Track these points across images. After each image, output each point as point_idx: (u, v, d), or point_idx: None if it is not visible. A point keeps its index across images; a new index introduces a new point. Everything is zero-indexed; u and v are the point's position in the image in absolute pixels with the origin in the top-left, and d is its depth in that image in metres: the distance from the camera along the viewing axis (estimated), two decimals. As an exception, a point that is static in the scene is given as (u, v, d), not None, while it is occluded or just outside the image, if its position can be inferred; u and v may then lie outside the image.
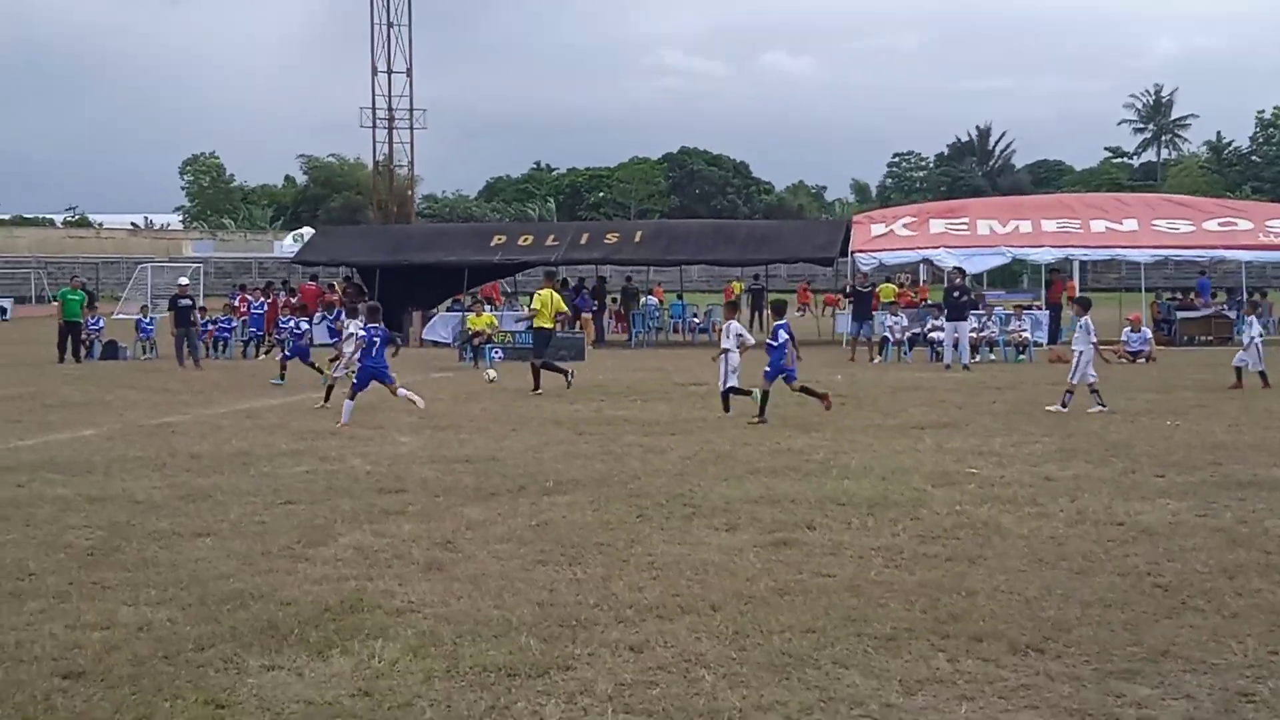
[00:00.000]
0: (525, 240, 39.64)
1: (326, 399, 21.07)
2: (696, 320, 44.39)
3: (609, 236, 39.36)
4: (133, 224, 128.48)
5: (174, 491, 13.06)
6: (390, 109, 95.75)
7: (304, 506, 12.20)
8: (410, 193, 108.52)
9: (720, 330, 20.64)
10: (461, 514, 11.71)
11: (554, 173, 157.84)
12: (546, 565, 9.67)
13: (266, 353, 34.53)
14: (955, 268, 31.46)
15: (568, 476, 13.78)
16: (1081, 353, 20.03)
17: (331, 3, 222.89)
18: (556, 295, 25.48)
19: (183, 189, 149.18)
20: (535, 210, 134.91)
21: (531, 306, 25.58)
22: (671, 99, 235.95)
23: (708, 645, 7.54)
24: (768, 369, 19.04)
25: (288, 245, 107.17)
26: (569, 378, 23.77)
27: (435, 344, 38.01)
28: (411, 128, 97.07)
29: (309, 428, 18.45)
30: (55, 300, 33.98)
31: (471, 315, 31.34)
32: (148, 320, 35.45)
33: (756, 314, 44.18)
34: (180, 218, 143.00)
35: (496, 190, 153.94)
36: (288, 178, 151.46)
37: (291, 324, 34.59)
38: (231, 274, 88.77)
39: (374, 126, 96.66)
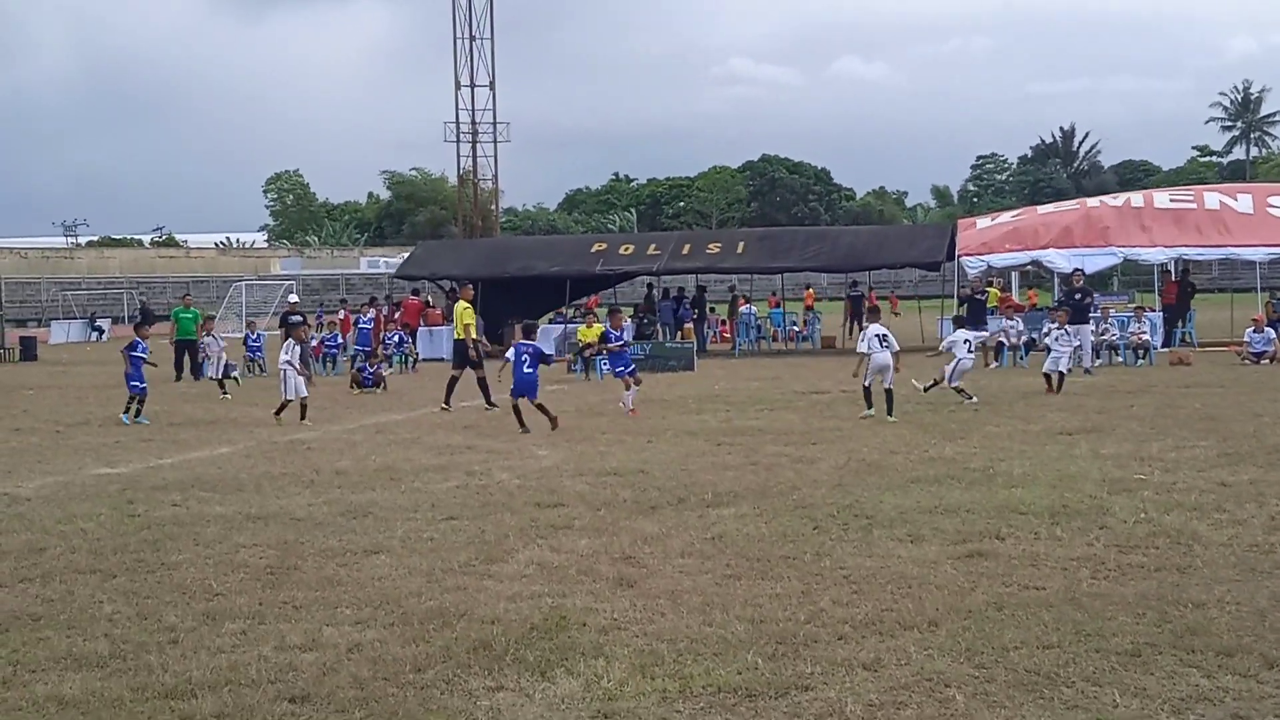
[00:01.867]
0: (626, 250, 39.48)
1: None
2: (796, 328, 44.05)
3: (711, 246, 39.04)
4: (218, 243, 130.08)
5: (332, 509, 12.94)
6: (474, 123, 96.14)
7: (468, 522, 12.03)
8: (494, 206, 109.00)
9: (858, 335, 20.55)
10: (631, 528, 11.49)
11: (632, 183, 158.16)
12: (739, 580, 9.42)
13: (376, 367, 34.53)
14: (1076, 270, 30.87)
15: (724, 488, 13.53)
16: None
17: (410, 19, 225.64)
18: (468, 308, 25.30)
19: (266, 207, 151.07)
20: (616, 221, 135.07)
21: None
22: (744, 107, 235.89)
23: (943, 663, 7.25)
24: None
25: (373, 262, 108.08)
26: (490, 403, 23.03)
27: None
28: (495, 141, 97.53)
29: (444, 442, 18.33)
30: (170, 320, 34.16)
31: (582, 327, 31.22)
32: (255, 337, 35.59)
33: (854, 321, 43.69)
34: (264, 236, 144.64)
35: (576, 202, 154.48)
36: (370, 194, 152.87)
37: (396, 338, 34.81)
38: (319, 291, 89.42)
39: (458, 141, 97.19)
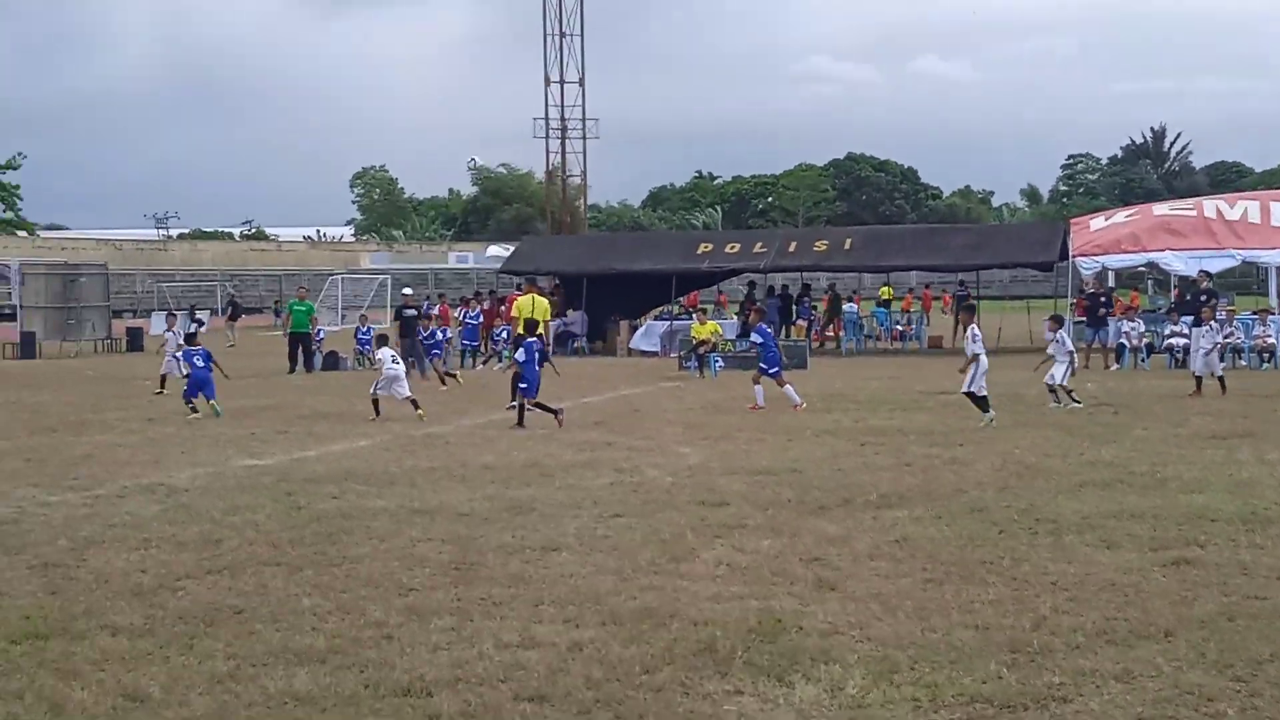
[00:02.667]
0: (732, 248, 39.25)
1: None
2: (900, 327, 43.60)
3: (818, 244, 38.66)
4: (305, 236, 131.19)
5: (493, 504, 12.85)
6: (563, 119, 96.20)
7: (637, 520, 11.88)
8: (580, 202, 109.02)
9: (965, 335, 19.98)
10: (809, 528, 11.29)
11: (715, 181, 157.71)
12: (942, 585, 9.20)
13: (484, 363, 34.58)
14: (1201, 271, 30.30)
15: (886, 489, 13.29)
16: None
17: (489, 15, 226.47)
18: (540, 300, 24.95)
19: (353, 202, 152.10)
20: (700, 219, 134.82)
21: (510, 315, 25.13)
22: (823, 105, 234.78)
23: (1197, 675, 6.99)
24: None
25: (461, 257, 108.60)
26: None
27: (644, 353, 37.80)
28: (584, 137, 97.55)
29: (580, 439, 18.18)
30: (286, 312, 34.39)
31: (695, 324, 31.02)
32: (365, 330, 35.62)
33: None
34: (351, 230, 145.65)
35: (660, 199, 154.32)
36: (452, 190, 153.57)
37: (504, 334, 34.76)
38: (410, 285, 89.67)
39: (546, 137, 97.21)
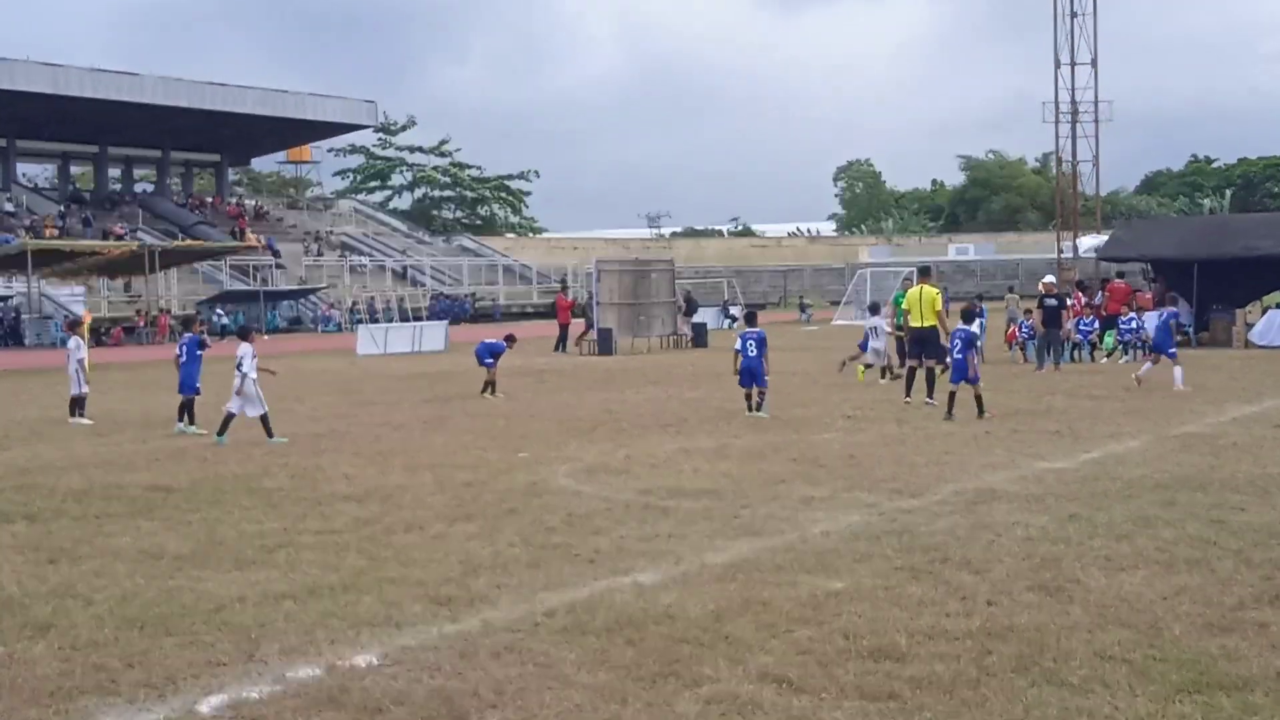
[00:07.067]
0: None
1: None
2: None
3: None
4: (790, 232, 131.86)
5: None
6: (1074, 102, 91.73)
7: None
8: (1074, 190, 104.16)
9: None
10: None
11: (1213, 164, 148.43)
12: None
13: (1108, 355, 32.39)
14: None
15: None
16: None
17: (947, 10, 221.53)
18: (930, 290, 22.20)
19: (835, 196, 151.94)
20: (1206, 204, 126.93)
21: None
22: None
23: None
24: None
25: (961, 249, 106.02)
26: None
27: (1267, 348, 34.34)
28: (1096, 120, 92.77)
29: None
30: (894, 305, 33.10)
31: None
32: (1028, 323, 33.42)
33: None
34: (833, 225, 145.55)
35: (1155, 184, 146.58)
36: (934, 180, 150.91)
37: (1133, 323, 32.44)
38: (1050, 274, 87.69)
39: (1056, 120, 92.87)
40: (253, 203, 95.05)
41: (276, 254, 77.32)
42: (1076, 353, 33.07)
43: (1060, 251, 75.32)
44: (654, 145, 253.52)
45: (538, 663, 7.23)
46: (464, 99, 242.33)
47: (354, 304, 73.55)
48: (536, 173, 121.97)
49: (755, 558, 9.80)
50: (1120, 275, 39.52)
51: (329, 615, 8.38)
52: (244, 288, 70.34)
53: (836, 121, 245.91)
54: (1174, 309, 25.56)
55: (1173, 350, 23.61)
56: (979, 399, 19.51)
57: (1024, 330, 32.82)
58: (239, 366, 18.32)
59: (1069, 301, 33.81)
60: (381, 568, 9.80)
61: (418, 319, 62.37)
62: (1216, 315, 37.07)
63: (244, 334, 19.49)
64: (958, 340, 19.98)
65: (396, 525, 11.58)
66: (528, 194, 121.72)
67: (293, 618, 8.34)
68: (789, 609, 8.23)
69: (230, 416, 18.42)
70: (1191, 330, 36.52)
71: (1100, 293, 36.56)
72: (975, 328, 21.66)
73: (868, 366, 27.34)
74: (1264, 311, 37.86)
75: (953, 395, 19.66)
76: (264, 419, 18.39)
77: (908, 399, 21.63)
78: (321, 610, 8.51)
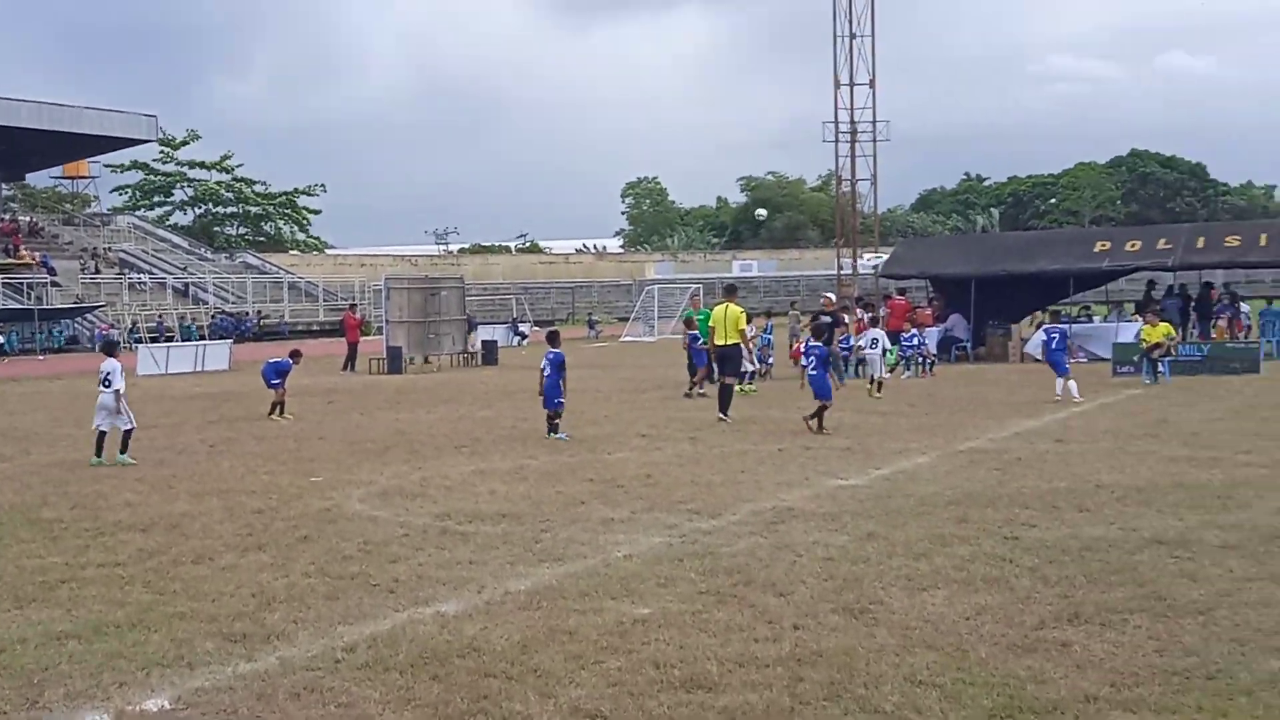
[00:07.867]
0: (1133, 246, 36.79)
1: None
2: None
3: (1230, 239, 36.14)
4: (576, 249, 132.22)
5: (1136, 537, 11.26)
6: (853, 122, 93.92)
7: None
8: (853, 207, 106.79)
9: None
10: None
11: (985, 182, 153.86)
12: None
13: (890, 370, 33.09)
14: None
15: None
16: None
17: (727, 28, 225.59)
18: (734, 308, 23.20)
19: (623, 213, 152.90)
20: (978, 221, 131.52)
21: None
22: (1065, 105, 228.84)
23: None
24: None
25: (745, 266, 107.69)
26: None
27: (1038, 361, 35.57)
28: (875, 139, 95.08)
29: (1144, 449, 16.48)
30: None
31: (1146, 327, 28.93)
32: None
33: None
34: (619, 241, 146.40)
35: (930, 202, 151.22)
36: (719, 198, 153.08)
37: (915, 340, 33.19)
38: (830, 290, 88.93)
39: (836, 140, 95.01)
40: (27, 219, 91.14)
41: (52, 271, 74.31)
42: (860, 369, 33.75)
43: (840, 268, 77.04)
44: (441, 162, 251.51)
45: (339, 703, 6.99)
46: (247, 115, 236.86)
47: (134, 323, 71.14)
48: (323, 186, 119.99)
49: (559, 584, 9.67)
50: (901, 292, 40.59)
51: (116, 655, 7.99)
52: (18, 306, 67.42)
53: (623, 139, 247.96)
54: (1062, 326, 26.69)
55: (1066, 368, 24.45)
56: (821, 413, 19.76)
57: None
58: (106, 383, 17.66)
59: (845, 319, 34.51)
60: (170, 602, 9.41)
61: (201, 338, 60.60)
62: (993, 330, 38.25)
63: (109, 349, 18.78)
64: (813, 357, 20.18)
65: (184, 556, 11.15)
66: (315, 211, 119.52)
67: (78, 659, 7.93)
68: (596, 638, 8.12)
69: (103, 434, 17.93)
70: (969, 346, 37.68)
71: (881, 308, 37.43)
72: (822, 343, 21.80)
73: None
74: (1037, 326, 39.22)
75: (821, 410, 19.78)
76: (128, 434, 17.97)
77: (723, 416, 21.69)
78: (108, 650, 8.10)
